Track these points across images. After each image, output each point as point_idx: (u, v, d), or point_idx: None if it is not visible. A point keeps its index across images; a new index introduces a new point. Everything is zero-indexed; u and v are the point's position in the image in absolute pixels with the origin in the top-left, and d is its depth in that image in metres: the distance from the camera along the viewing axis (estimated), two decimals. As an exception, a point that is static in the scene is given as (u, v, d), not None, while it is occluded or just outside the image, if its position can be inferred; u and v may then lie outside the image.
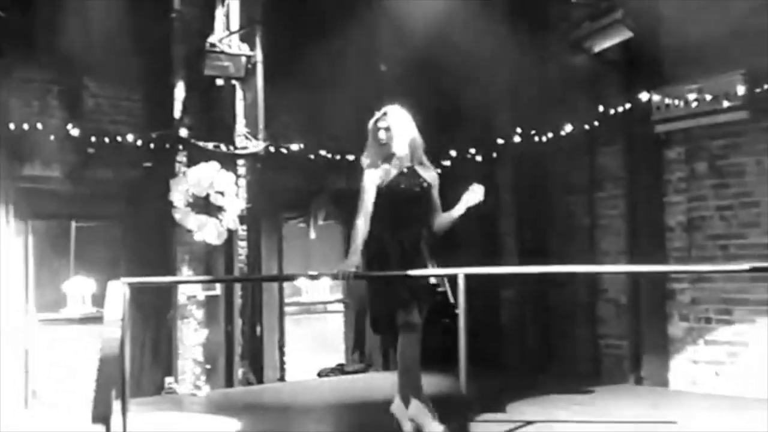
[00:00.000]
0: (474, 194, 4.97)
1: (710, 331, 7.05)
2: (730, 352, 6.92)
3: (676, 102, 6.94)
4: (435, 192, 5.13)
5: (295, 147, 8.18)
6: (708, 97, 6.72)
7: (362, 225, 4.90)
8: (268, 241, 8.20)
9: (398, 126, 5.06)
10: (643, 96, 7.16)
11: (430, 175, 5.14)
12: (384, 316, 4.96)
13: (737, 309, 6.85)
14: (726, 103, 6.64)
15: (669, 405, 6.38)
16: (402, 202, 4.99)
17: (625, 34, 7.04)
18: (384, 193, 4.97)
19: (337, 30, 7.82)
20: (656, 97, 7.09)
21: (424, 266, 4.95)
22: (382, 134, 5.06)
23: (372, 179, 5.00)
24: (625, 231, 7.62)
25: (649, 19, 7.17)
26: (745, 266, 5.26)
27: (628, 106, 7.33)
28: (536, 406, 6.39)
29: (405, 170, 5.05)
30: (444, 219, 5.11)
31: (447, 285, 4.98)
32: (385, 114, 5.10)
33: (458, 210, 5.03)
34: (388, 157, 5.03)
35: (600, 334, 7.91)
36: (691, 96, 6.82)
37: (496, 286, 8.77)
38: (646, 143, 7.39)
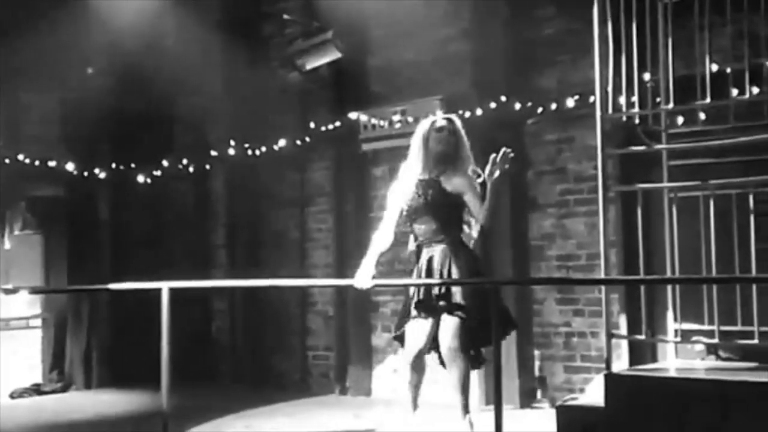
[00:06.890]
0: (499, 164, 4.55)
1: (408, 340, 7.42)
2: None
3: (381, 123, 7.26)
4: (468, 197, 4.76)
5: (-11, 150, 7.59)
6: (410, 120, 7.08)
7: (377, 239, 4.83)
8: (-43, 251, 7.53)
9: (462, 133, 4.80)
10: (352, 115, 7.42)
11: (455, 182, 4.77)
12: None
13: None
14: (426, 126, 7.03)
15: (370, 414, 6.61)
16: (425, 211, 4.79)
17: (335, 54, 7.25)
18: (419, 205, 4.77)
19: (40, 29, 7.34)
20: (363, 117, 7.38)
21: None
22: (445, 140, 4.74)
23: (398, 195, 4.82)
24: (333, 245, 7.83)
25: (357, 41, 7.45)
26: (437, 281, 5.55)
27: (337, 124, 7.55)
28: (243, 419, 6.38)
29: (428, 179, 4.78)
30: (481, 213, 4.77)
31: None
32: (449, 119, 4.82)
33: (489, 199, 4.68)
34: (445, 165, 4.75)
35: (309, 346, 8.07)
36: (395, 117, 7.17)
37: (208, 299, 8.68)
38: (354, 161, 7.67)
